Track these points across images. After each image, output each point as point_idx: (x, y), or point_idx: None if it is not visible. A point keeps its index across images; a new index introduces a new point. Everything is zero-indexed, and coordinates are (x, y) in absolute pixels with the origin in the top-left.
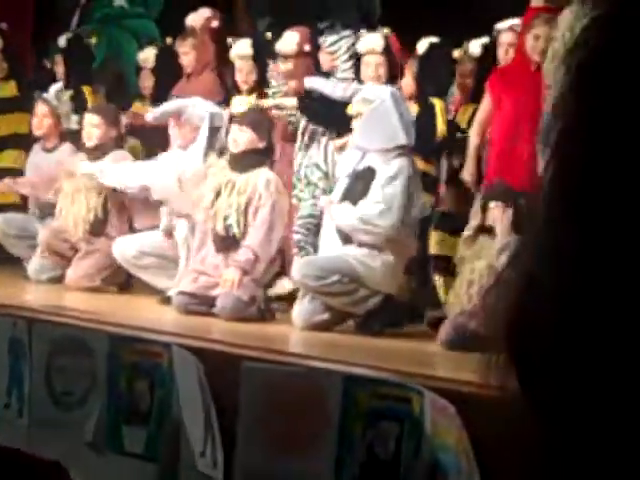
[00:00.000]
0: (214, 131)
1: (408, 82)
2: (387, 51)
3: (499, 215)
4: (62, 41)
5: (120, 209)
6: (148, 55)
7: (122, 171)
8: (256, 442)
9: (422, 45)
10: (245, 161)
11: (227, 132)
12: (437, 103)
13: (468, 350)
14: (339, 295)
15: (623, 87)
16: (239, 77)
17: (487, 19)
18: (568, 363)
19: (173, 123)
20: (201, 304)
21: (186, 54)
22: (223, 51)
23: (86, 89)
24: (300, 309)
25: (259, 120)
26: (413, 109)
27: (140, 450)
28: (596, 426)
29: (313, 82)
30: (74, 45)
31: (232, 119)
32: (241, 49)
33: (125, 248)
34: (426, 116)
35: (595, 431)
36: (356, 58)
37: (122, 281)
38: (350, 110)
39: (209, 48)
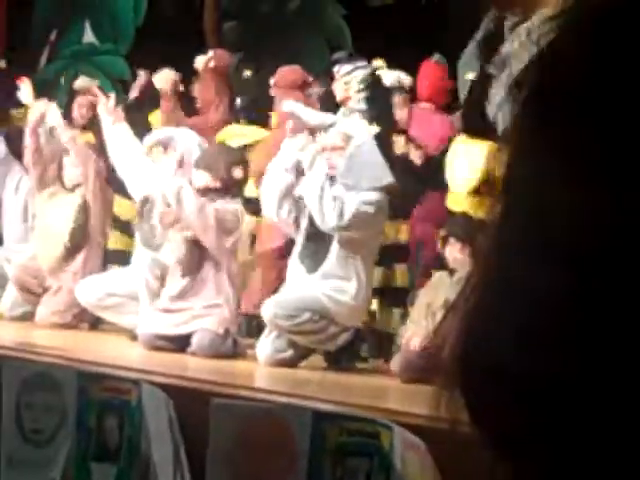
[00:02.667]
0: None
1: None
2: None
3: (458, 251)
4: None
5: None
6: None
7: None
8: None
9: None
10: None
11: None
12: None
13: (423, 383)
14: (310, 333)
15: (563, 132)
16: None
17: None
18: (517, 398)
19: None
20: (170, 342)
21: (196, 96)
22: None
23: None
24: (264, 346)
25: (215, 161)
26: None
27: None
28: (564, 461)
29: (293, 106)
30: None
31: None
32: None
33: (89, 291)
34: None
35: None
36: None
37: (93, 318)
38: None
39: (211, 88)
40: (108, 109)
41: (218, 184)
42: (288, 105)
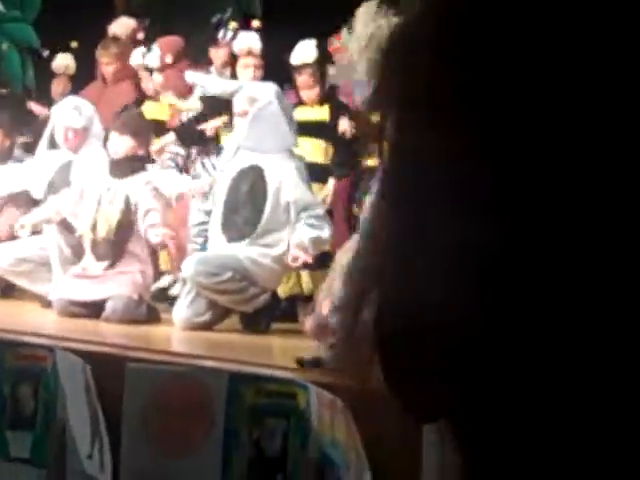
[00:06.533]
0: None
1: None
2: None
3: None
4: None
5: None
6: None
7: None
8: (142, 443)
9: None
10: (125, 167)
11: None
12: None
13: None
14: (230, 293)
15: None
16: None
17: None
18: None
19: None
20: (84, 308)
21: (108, 64)
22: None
23: None
24: (181, 310)
25: (139, 127)
26: (320, 111)
27: (26, 455)
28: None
29: (194, 77)
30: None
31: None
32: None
33: (1, 256)
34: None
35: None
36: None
37: (4, 286)
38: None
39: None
40: None
41: (141, 152)
42: (190, 76)
